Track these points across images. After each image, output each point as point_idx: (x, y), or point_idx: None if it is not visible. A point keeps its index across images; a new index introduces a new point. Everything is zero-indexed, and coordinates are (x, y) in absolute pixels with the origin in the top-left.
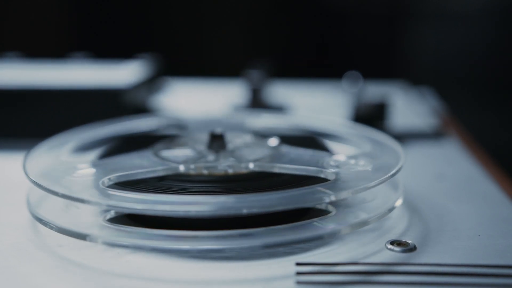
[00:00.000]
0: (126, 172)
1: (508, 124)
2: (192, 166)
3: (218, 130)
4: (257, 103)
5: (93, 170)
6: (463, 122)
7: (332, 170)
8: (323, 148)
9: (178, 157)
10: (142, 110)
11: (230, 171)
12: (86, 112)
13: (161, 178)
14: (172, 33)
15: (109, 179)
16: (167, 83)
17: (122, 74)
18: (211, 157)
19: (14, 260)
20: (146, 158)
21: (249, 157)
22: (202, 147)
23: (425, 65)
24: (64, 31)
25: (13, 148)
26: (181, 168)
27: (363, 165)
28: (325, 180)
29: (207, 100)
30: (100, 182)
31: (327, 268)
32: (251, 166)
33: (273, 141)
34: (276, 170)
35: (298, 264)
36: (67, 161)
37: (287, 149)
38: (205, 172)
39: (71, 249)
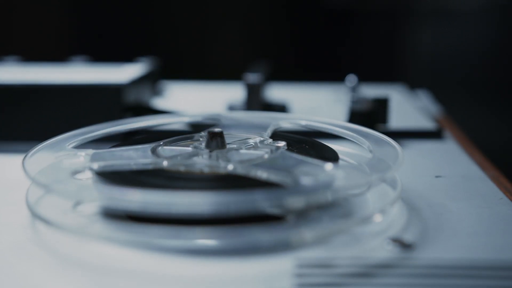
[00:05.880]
0: (107, 163)
1: (506, 124)
2: (171, 163)
3: (217, 129)
4: (256, 104)
5: (81, 159)
6: (462, 123)
7: (303, 180)
8: (323, 150)
9: (171, 153)
10: (141, 109)
11: (206, 170)
12: (84, 109)
13: (139, 172)
14: (172, 38)
15: (90, 168)
16: (166, 86)
17: (120, 73)
18: (204, 155)
19: (14, 259)
20: (140, 152)
21: (237, 158)
22: (202, 145)
23: (423, 66)
24: (63, 36)
25: (13, 150)
26: (165, 163)
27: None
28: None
29: (206, 101)
30: (73, 171)
31: (326, 270)
32: (230, 167)
33: (280, 145)
34: (253, 174)
35: (297, 264)
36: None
37: (286, 155)
38: (182, 169)
39: (71, 247)
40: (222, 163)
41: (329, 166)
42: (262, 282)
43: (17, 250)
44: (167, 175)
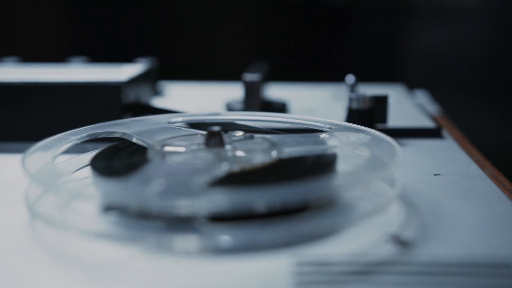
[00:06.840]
0: (179, 180)
1: (504, 123)
2: (234, 163)
3: (216, 128)
4: (255, 103)
5: (156, 184)
6: (460, 122)
7: (333, 144)
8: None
9: (199, 159)
10: (142, 109)
11: (266, 161)
12: (83, 108)
13: (218, 183)
14: (171, 38)
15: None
16: (166, 86)
17: (119, 72)
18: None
19: (13, 259)
20: (167, 165)
21: (257, 148)
22: (196, 146)
23: (422, 66)
24: (62, 37)
25: (12, 149)
26: (224, 167)
27: (358, 138)
28: (333, 155)
29: (206, 101)
30: (195, 188)
31: (325, 267)
32: (274, 154)
33: (239, 133)
34: (293, 154)
35: (296, 262)
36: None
37: (275, 137)
38: (246, 167)
39: (70, 247)
40: (270, 153)
41: (325, 135)
42: (260, 280)
43: (17, 250)
44: (243, 175)
